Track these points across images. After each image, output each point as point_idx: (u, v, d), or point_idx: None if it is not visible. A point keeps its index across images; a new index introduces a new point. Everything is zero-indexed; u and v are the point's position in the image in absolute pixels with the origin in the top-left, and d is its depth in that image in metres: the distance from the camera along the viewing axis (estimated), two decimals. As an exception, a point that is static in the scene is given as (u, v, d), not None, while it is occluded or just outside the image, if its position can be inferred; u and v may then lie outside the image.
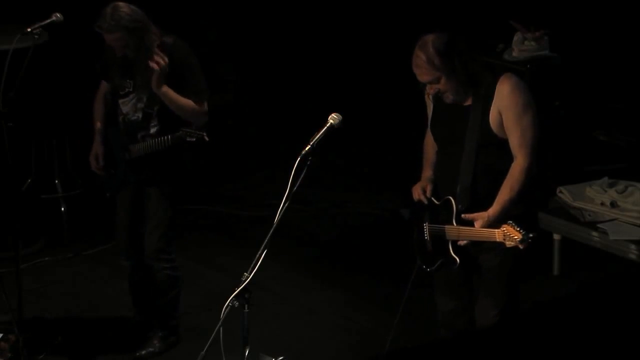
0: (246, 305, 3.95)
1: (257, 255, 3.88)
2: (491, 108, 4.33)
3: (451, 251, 4.46)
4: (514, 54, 7.15)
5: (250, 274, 3.88)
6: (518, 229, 4.17)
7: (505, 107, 4.31)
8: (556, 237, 6.28)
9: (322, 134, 3.99)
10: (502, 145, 4.36)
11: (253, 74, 9.08)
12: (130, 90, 5.18)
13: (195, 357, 3.97)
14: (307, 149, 3.93)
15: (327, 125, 4.03)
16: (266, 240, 3.89)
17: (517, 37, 7.26)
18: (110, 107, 5.37)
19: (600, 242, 6.19)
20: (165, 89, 5.02)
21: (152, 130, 5.18)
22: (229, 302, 3.87)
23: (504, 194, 4.32)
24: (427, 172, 4.66)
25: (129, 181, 5.31)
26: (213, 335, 3.88)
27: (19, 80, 4.91)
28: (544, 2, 7.72)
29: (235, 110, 8.74)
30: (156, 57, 4.96)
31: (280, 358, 4.81)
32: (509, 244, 4.20)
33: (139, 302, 5.61)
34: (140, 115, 5.19)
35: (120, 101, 5.23)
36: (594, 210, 6.26)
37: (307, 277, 6.43)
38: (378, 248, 6.94)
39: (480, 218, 4.32)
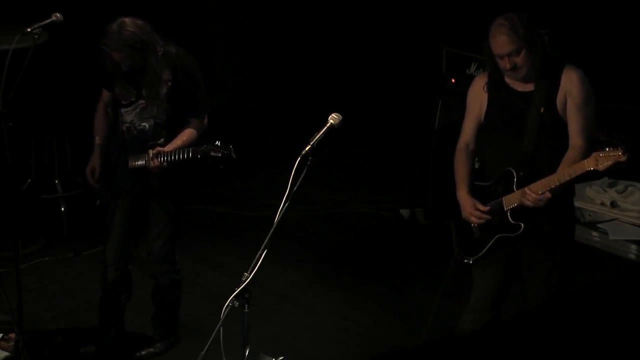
0: (246, 305, 3.95)
1: (257, 255, 3.88)
2: (559, 91, 4.52)
3: (511, 220, 4.56)
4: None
5: (250, 274, 3.88)
6: (610, 148, 4.32)
7: (572, 94, 4.52)
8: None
9: (322, 134, 4.00)
10: (561, 126, 4.54)
11: (253, 73, 9.08)
12: (134, 99, 5.17)
13: (195, 357, 3.98)
14: (307, 149, 3.94)
15: (327, 125, 4.03)
16: (266, 240, 3.89)
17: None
18: (112, 116, 5.35)
19: (600, 242, 6.19)
20: (170, 149, 5.06)
21: (160, 141, 5.15)
22: (229, 302, 3.87)
23: (565, 171, 4.46)
24: (464, 190, 4.74)
25: (130, 190, 5.27)
26: (213, 335, 3.88)
27: (18, 80, 4.91)
28: (544, 2, 7.72)
29: (235, 109, 8.74)
30: (155, 163, 5.03)
31: (280, 358, 4.81)
32: (603, 165, 4.33)
33: (116, 316, 5.51)
34: (147, 124, 5.18)
35: (123, 110, 5.21)
36: (594, 210, 6.26)
37: (307, 277, 6.43)
38: (378, 248, 6.95)
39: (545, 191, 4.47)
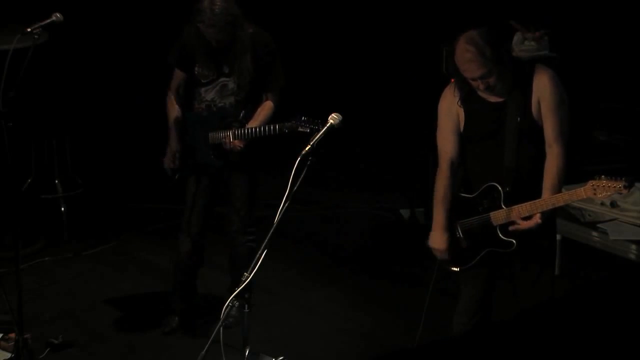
0: (246, 305, 3.95)
1: (257, 255, 3.89)
2: (532, 97, 4.42)
3: (501, 236, 4.51)
4: (514, 54, 7.15)
5: (250, 274, 3.88)
6: (609, 177, 4.24)
7: (544, 96, 4.41)
8: (556, 237, 6.27)
9: (322, 134, 3.99)
10: (539, 133, 4.46)
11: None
12: (214, 77, 5.32)
13: (195, 357, 3.97)
14: (307, 149, 3.93)
15: (327, 125, 4.03)
16: (266, 240, 3.89)
17: (517, 37, 7.26)
18: (183, 96, 5.49)
19: (600, 242, 6.18)
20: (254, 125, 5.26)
21: (240, 116, 5.33)
22: (229, 302, 3.87)
23: (553, 184, 4.41)
24: (443, 220, 4.63)
25: (213, 165, 5.41)
26: (213, 335, 3.88)
27: (19, 80, 4.91)
28: (544, 2, 7.72)
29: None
30: (236, 143, 5.25)
31: (280, 358, 4.81)
32: (602, 195, 4.28)
33: (187, 288, 5.72)
34: (228, 102, 5.34)
35: (203, 89, 5.37)
36: (594, 210, 6.25)
37: (307, 277, 6.44)
38: (378, 248, 6.95)
39: (538, 212, 4.40)
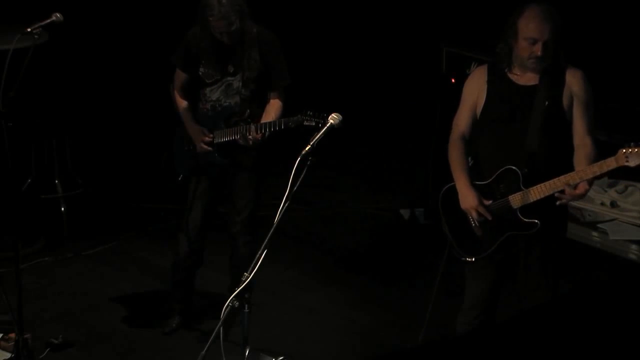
0: (246, 305, 3.95)
1: (257, 255, 3.89)
2: (564, 90, 4.51)
3: (523, 218, 4.51)
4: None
5: (250, 274, 3.89)
6: (633, 143, 4.23)
7: (579, 93, 4.52)
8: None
9: (322, 134, 4.00)
10: (564, 123, 4.53)
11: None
12: (219, 77, 5.32)
13: (195, 356, 3.98)
14: (307, 149, 3.94)
15: (327, 125, 4.04)
16: (266, 240, 3.90)
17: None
18: (189, 96, 5.50)
19: (600, 242, 6.19)
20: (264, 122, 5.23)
21: (245, 115, 5.32)
22: (229, 302, 3.87)
23: (589, 169, 4.39)
24: (467, 180, 4.63)
25: (218, 165, 5.40)
26: (213, 335, 3.88)
27: (19, 80, 4.91)
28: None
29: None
30: (254, 136, 5.19)
31: (280, 358, 4.82)
32: (635, 162, 4.23)
33: (185, 288, 5.73)
34: (233, 101, 5.33)
35: (208, 89, 5.37)
36: (594, 210, 6.26)
37: (307, 277, 6.44)
38: (378, 248, 6.95)
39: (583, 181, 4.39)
